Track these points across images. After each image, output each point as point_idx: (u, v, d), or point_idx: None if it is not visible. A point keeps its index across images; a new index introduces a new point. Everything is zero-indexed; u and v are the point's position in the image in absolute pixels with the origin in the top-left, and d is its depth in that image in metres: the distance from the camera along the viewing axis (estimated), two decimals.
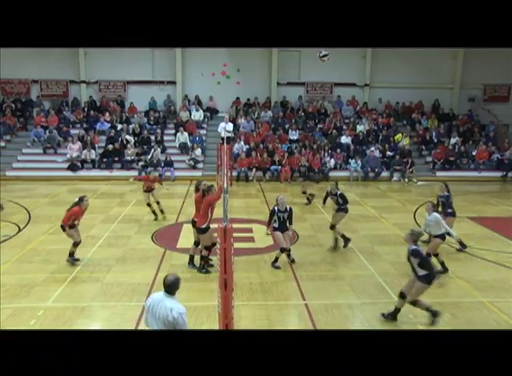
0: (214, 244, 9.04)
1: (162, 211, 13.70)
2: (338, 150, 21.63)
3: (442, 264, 9.74)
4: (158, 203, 13.69)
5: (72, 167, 20.51)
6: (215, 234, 8.08)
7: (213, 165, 19.89)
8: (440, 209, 10.75)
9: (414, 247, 7.35)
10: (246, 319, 7.63)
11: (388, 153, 21.79)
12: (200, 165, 21.41)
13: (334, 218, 11.19)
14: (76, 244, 10.04)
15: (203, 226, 9.44)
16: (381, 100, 24.90)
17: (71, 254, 10.06)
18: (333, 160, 21.20)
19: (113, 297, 8.53)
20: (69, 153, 20.82)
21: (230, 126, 21.20)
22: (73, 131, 22.25)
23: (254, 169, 20.52)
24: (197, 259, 9.89)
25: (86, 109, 23.64)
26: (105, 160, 20.87)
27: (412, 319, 7.73)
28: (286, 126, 22.98)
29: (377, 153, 21.47)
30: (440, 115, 24.43)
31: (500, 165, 21.61)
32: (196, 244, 9.84)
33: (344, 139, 22.28)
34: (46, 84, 24.15)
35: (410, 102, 24.84)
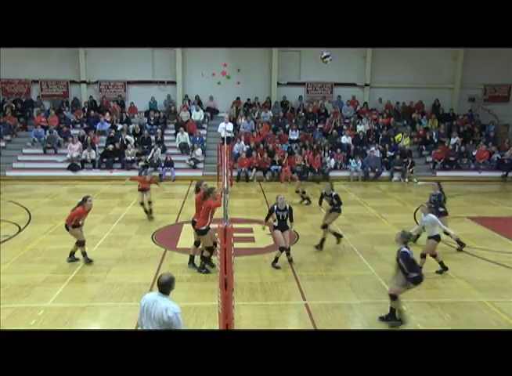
0: (215, 244, 9.04)
1: (151, 211, 13.66)
2: (338, 150, 21.63)
3: (441, 264, 9.74)
4: (150, 203, 13.69)
5: (72, 167, 20.52)
6: (216, 234, 8.08)
7: (213, 165, 19.88)
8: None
9: (404, 249, 7.36)
10: (246, 319, 7.63)
11: (388, 153, 21.80)
12: (201, 165, 21.41)
13: (327, 218, 11.23)
14: (81, 244, 10.06)
15: (203, 228, 9.44)
16: (381, 100, 24.90)
17: (84, 254, 10.12)
18: (333, 160, 21.20)
19: (114, 297, 8.53)
20: (69, 153, 20.83)
21: (230, 126, 21.22)
22: (73, 132, 22.26)
23: (254, 169, 20.52)
24: (197, 259, 9.90)
25: (86, 109, 23.65)
26: (105, 160, 20.88)
27: (413, 319, 7.73)
28: (287, 126, 22.99)
29: (377, 153, 21.47)
30: (440, 115, 24.43)
31: (500, 165, 21.61)
32: (197, 244, 9.85)
33: (345, 139, 22.29)
34: (46, 84, 24.17)
35: (410, 102, 24.84)
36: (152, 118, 23.29)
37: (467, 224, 13.56)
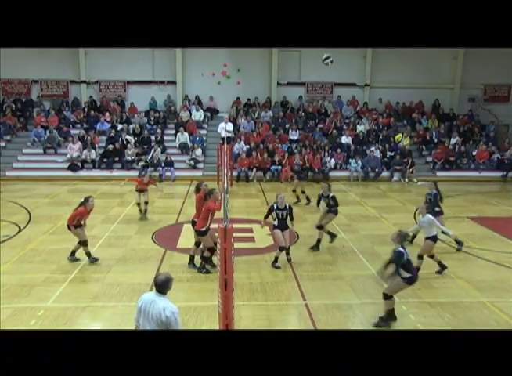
0: (215, 244, 9.04)
1: (145, 212, 13.65)
2: (338, 150, 21.63)
3: (439, 263, 9.71)
4: (146, 203, 13.68)
5: (72, 167, 20.52)
6: (216, 234, 8.08)
7: (213, 165, 19.89)
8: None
9: (400, 248, 7.36)
10: (246, 319, 7.63)
11: (388, 153, 21.80)
12: (201, 165, 21.41)
13: (323, 218, 11.22)
14: (84, 243, 10.07)
15: (203, 229, 9.44)
16: (381, 100, 24.91)
17: (89, 255, 10.11)
18: (333, 160, 21.20)
19: (114, 297, 8.53)
20: (69, 153, 20.83)
21: (230, 126, 21.23)
22: (73, 132, 22.27)
23: (254, 169, 20.53)
24: (197, 259, 9.90)
25: (86, 109, 23.66)
26: (105, 160, 20.88)
27: (413, 319, 7.73)
28: (287, 126, 22.99)
29: (377, 153, 21.48)
30: (440, 115, 24.43)
31: (500, 165, 21.62)
32: (197, 244, 9.84)
33: (345, 139, 22.29)
34: (46, 84, 24.18)
35: (410, 102, 24.84)
36: (152, 118, 23.29)
37: (467, 224, 13.56)
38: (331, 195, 11.15)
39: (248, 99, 24.50)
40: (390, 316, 7.60)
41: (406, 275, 7.35)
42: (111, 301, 8.39)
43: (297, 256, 10.60)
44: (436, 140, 22.92)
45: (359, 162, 21.10)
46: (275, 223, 10.02)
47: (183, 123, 22.87)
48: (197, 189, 10.18)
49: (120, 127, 22.46)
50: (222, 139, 19.27)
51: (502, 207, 16.05)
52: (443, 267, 9.70)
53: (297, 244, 11.44)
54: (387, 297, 7.52)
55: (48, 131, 21.91)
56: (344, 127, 23.27)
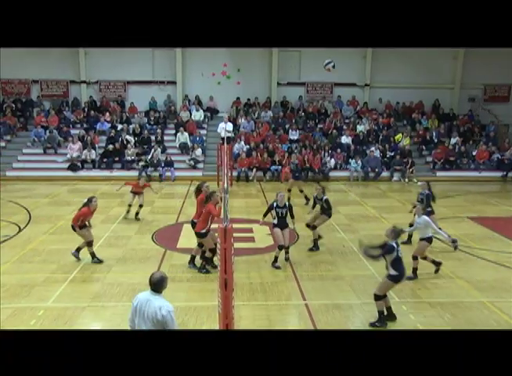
0: (216, 244, 9.03)
1: (137, 214, 13.60)
2: (338, 150, 21.63)
3: (433, 262, 9.65)
4: (141, 206, 13.64)
5: (72, 167, 20.52)
6: (216, 234, 8.08)
7: (213, 165, 19.89)
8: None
9: (392, 243, 7.37)
10: (246, 319, 7.63)
11: (388, 153, 21.80)
12: (201, 165, 21.41)
13: (317, 219, 11.21)
14: (90, 244, 10.08)
15: (203, 231, 9.43)
16: (381, 100, 24.90)
17: (93, 256, 10.13)
18: (333, 160, 21.20)
19: (114, 297, 8.53)
20: (69, 153, 20.83)
21: (230, 126, 21.22)
22: (73, 132, 22.26)
23: (254, 169, 20.53)
24: (197, 259, 9.89)
25: (86, 109, 23.65)
26: (105, 160, 20.88)
27: (413, 319, 7.73)
28: (287, 126, 22.99)
29: (377, 153, 21.48)
30: (440, 115, 24.43)
31: (500, 165, 21.62)
32: (200, 245, 9.79)
33: (345, 139, 22.29)
34: (46, 84, 24.17)
35: (410, 102, 24.84)
36: (152, 118, 23.29)
37: (467, 224, 13.56)
38: (325, 198, 11.12)
39: (248, 99, 24.50)
40: (389, 315, 7.61)
41: (393, 272, 7.34)
42: (111, 301, 8.38)
43: (297, 256, 10.60)
44: (436, 140, 22.92)
45: (359, 162, 21.10)
46: (275, 222, 10.02)
47: (183, 123, 22.87)
48: (198, 191, 10.15)
49: (120, 127, 22.46)
50: (222, 139, 19.27)
51: (502, 207, 16.04)
52: (438, 264, 9.67)
53: (297, 244, 11.44)
54: (378, 297, 7.51)
55: (48, 131, 21.91)
56: (344, 127, 23.26)
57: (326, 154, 21.37)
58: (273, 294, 8.74)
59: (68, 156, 20.77)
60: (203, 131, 23.26)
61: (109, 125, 22.65)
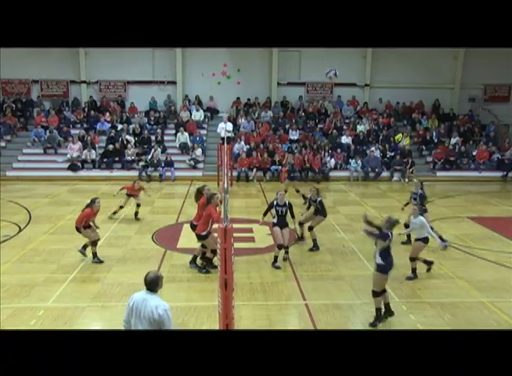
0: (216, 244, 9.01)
1: (136, 214, 13.57)
2: (338, 150, 21.63)
3: (425, 261, 9.63)
4: (138, 205, 13.61)
5: (72, 167, 20.52)
6: (216, 234, 8.08)
7: (213, 165, 19.89)
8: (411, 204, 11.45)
9: (388, 233, 7.41)
10: (246, 319, 7.63)
11: (388, 153, 21.79)
12: (201, 165, 21.41)
13: (313, 220, 11.22)
14: (94, 243, 10.09)
15: (203, 233, 9.43)
16: (381, 100, 24.90)
17: (95, 255, 10.13)
18: (333, 160, 21.20)
19: (114, 297, 8.53)
20: (69, 153, 20.82)
21: (229, 126, 21.22)
22: (73, 132, 22.26)
23: (254, 169, 20.52)
24: (199, 259, 9.90)
25: (86, 109, 23.65)
26: (105, 160, 20.87)
27: (413, 319, 7.73)
28: (287, 126, 22.98)
29: (377, 153, 21.47)
30: (440, 115, 24.43)
31: (500, 165, 21.61)
32: (204, 246, 9.77)
33: (345, 139, 22.29)
34: (46, 84, 24.18)
35: (410, 102, 24.84)
36: (152, 118, 23.29)
37: (467, 224, 13.56)
38: (319, 199, 11.11)
39: (248, 99, 24.49)
40: (386, 311, 7.61)
41: (380, 261, 7.37)
42: (111, 301, 8.38)
43: (298, 256, 10.60)
44: (436, 140, 22.91)
45: (359, 162, 21.10)
46: (275, 221, 10.03)
47: (183, 123, 22.86)
48: (199, 194, 10.12)
49: (120, 127, 22.45)
50: (222, 139, 19.26)
51: (502, 207, 16.04)
52: (429, 263, 9.67)
53: (297, 244, 11.44)
54: (376, 294, 7.53)
55: (48, 131, 21.91)
56: (344, 127, 23.26)
57: (326, 154, 21.37)
58: (273, 294, 8.74)
59: (68, 156, 20.77)
60: (203, 131, 23.26)
61: (110, 125, 22.65)
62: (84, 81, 24.14)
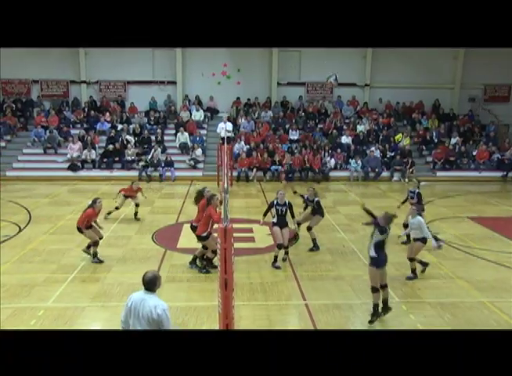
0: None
1: (136, 214, 13.58)
2: (338, 150, 21.63)
3: (421, 262, 9.63)
4: (137, 205, 13.60)
5: (72, 167, 20.51)
6: (216, 234, 8.08)
7: (213, 165, 19.89)
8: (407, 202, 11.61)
9: (386, 227, 7.44)
10: (246, 319, 7.63)
11: (388, 153, 21.79)
12: (201, 165, 21.41)
13: (311, 220, 11.19)
14: (95, 243, 10.10)
15: (204, 235, 9.43)
16: (381, 100, 24.90)
17: (95, 255, 10.14)
18: (333, 160, 21.20)
19: (114, 297, 8.53)
20: (69, 153, 20.82)
21: (229, 126, 21.22)
22: (73, 132, 22.25)
23: (254, 169, 20.52)
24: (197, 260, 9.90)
25: (86, 109, 23.65)
26: (105, 160, 20.87)
27: (413, 319, 7.73)
28: (287, 126, 22.98)
29: (377, 153, 21.47)
30: (440, 115, 24.42)
31: (500, 165, 21.61)
32: (205, 247, 9.77)
33: (345, 139, 22.29)
34: (46, 84, 24.17)
35: (410, 102, 24.83)
36: (152, 118, 23.29)
37: (467, 224, 13.56)
38: (316, 200, 11.08)
39: (248, 99, 24.49)
40: (384, 307, 7.62)
41: (373, 254, 7.40)
42: (111, 301, 8.38)
43: (298, 256, 10.60)
44: (436, 140, 22.91)
45: (359, 162, 21.10)
46: (274, 220, 10.03)
47: (183, 123, 22.86)
48: (200, 196, 10.09)
49: (120, 127, 22.45)
50: (222, 139, 19.26)
51: (502, 207, 16.04)
52: (425, 264, 9.67)
53: (297, 244, 11.43)
54: (375, 289, 7.55)
55: (48, 131, 21.90)
56: (344, 127, 23.26)
57: (326, 154, 21.36)
58: (273, 294, 8.74)
59: (68, 156, 20.77)
60: (203, 131, 23.26)
61: (110, 125, 22.65)
62: (84, 81, 24.13)
